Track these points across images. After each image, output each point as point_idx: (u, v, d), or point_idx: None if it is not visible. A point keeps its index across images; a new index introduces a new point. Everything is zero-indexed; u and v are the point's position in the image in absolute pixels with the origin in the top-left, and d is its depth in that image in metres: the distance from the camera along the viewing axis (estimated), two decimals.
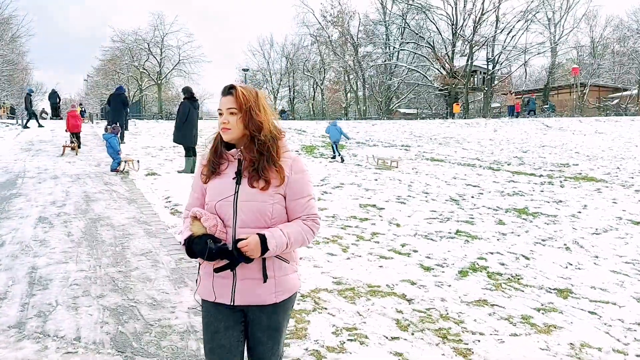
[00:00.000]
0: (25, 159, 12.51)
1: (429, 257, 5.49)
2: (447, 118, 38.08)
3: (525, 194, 10.37)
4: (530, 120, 32.91)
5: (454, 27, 43.00)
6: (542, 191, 10.70)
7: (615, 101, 41.10)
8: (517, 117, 35.07)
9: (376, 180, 11.02)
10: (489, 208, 8.60)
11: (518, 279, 4.90)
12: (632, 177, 13.08)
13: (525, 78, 47.68)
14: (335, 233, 6.34)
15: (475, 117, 38.30)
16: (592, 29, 45.20)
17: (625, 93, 42.22)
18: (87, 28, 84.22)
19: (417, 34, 44.13)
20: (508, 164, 15.32)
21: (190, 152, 10.91)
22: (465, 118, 37.38)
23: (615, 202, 9.73)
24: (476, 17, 40.94)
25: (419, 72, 45.38)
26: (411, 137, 24.48)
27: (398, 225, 7.03)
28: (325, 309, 3.89)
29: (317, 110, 51.93)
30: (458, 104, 39.20)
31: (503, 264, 5.36)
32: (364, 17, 48.81)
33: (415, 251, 5.72)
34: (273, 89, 56.45)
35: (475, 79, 44.66)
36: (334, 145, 15.76)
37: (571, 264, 5.53)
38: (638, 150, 18.99)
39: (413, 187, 10.42)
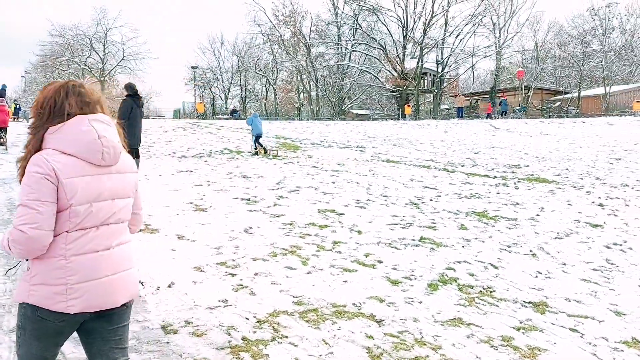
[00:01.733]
0: None
1: (395, 269, 5.10)
2: (398, 119, 38.41)
3: (482, 196, 10.26)
4: (479, 121, 33.68)
5: (404, 29, 43.48)
6: (498, 193, 10.63)
7: (557, 103, 42.80)
8: (462, 118, 35.87)
9: (334, 183, 10.62)
10: (449, 212, 8.36)
11: (490, 292, 4.59)
12: (582, 179, 13.33)
13: (473, 81, 48.90)
14: (293, 243, 5.86)
15: (425, 119, 38.80)
16: (536, 34, 46.93)
17: (566, 96, 44.03)
18: (26, 21, 79.60)
19: (368, 35, 44.34)
20: (462, 166, 15.33)
21: (133, 154, 10.10)
22: (416, 119, 37.81)
23: (570, 204, 9.76)
24: (426, 19, 41.53)
25: (371, 73, 45.63)
26: (365, 137, 24.34)
27: (359, 232, 6.63)
28: (286, 337, 3.40)
29: (269, 110, 51.18)
30: (409, 106, 39.64)
31: (472, 275, 5.04)
32: (316, 18, 48.59)
33: (380, 262, 5.32)
34: (224, 87, 55.27)
35: (425, 80, 45.34)
36: (256, 138, 15.85)
37: (540, 273, 5.30)
38: (583, 152, 19.60)
39: (371, 189, 10.09)
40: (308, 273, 4.85)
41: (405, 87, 42.34)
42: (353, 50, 47.75)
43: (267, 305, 3.97)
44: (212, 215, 7.11)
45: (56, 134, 1.87)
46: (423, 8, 42.47)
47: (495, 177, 13.22)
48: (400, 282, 4.69)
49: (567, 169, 14.91)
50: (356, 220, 7.31)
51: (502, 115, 36.63)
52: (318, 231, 6.55)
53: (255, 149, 15.89)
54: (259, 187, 9.60)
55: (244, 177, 10.90)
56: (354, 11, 45.55)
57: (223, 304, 3.97)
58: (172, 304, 3.92)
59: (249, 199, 8.36)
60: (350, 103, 50.10)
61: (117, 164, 1.98)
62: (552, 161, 16.83)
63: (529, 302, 4.40)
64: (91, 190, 1.88)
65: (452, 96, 49.91)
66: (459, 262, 5.43)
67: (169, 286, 4.30)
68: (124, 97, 10.19)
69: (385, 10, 43.69)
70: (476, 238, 6.62)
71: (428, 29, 41.75)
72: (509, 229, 7.36)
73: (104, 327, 1.99)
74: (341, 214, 7.64)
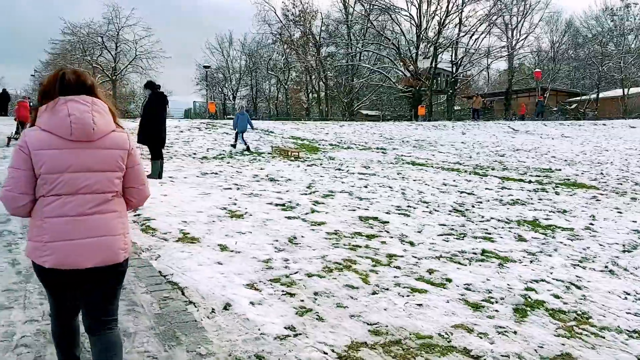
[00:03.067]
0: None
1: (469, 289, 4.56)
2: (411, 120, 37.76)
3: (525, 202, 9.69)
4: (495, 123, 32.99)
5: (418, 28, 42.82)
6: (540, 200, 10.05)
7: (574, 105, 42.01)
8: (478, 119, 35.09)
9: (366, 187, 10.07)
10: (498, 220, 7.80)
11: (587, 319, 4.04)
12: (621, 184, 12.73)
13: (488, 81, 48.18)
14: (345, 256, 5.32)
15: (439, 120, 38.11)
16: (553, 34, 46.14)
17: (583, 97, 43.24)
18: (36, 20, 79.50)
19: (381, 34, 43.67)
20: (492, 169, 14.75)
21: (158, 153, 9.61)
22: (429, 120, 37.14)
23: (620, 212, 9.17)
24: (441, 19, 40.86)
25: (383, 73, 44.97)
26: (382, 139, 23.77)
27: (412, 243, 6.09)
28: None
29: (280, 110, 50.67)
30: (423, 107, 38.95)
31: (558, 297, 4.49)
32: (326, 17, 48.02)
33: (448, 280, 4.77)
34: (233, 88, 54.82)
35: (439, 81, 44.68)
36: (241, 135, 16.19)
37: (629, 294, 4.74)
38: (610, 155, 18.94)
39: (407, 194, 9.54)
40: (374, 293, 4.31)
41: (418, 88, 41.66)
42: (364, 50, 47.12)
43: (342, 336, 3.44)
44: (250, 222, 6.58)
45: (40, 114, 2.19)
46: (438, 7, 41.82)
47: (530, 181, 12.64)
48: (482, 306, 4.14)
49: (602, 174, 14.30)
50: (403, 230, 6.76)
51: (538, 117, 35.70)
52: (367, 242, 6.01)
53: (235, 141, 16.28)
54: (290, 192, 9.07)
55: (271, 181, 10.37)
56: (365, 10, 44.90)
57: (292, 332, 3.44)
58: (235, 332, 3.39)
59: (284, 205, 7.83)
60: (360, 103, 49.46)
61: (99, 140, 2.22)
62: (583, 165, 16.20)
63: (635, 332, 3.85)
64: (61, 162, 2.14)
65: (467, 97, 49.08)
66: (536, 281, 4.87)
67: (225, 308, 3.78)
68: (147, 95, 9.71)
69: (398, 9, 43.04)
70: (541, 252, 6.06)
71: (443, 29, 41.05)
72: (571, 240, 6.79)
73: (87, 287, 2.27)
74: (385, 222, 7.10)
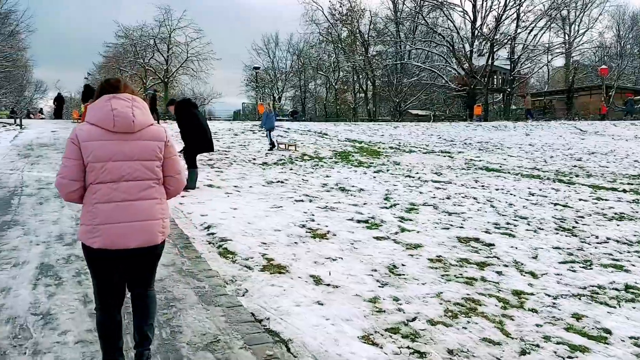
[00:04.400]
0: (23, 169, 10.58)
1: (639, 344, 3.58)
2: (465, 120, 36.14)
3: (633, 217, 8.47)
4: (559, 124, 31.02)
5: (472, 24, 41.05)
6: None
7: None
8: (532, 119, 33.03)
9: (449, 198, 9.10)
10: (617, 241, 6.68)
11: None
12: None
13: (548, 79, 45.74)
14: (464, 293, 4.43)
15: (495, 120, 36.28)
16: (619, 28, 43.31)
17: None
18: (89, 24, 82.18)
19: (434, 31, 42.13)
20: (575, 175, 13.42)
21: (193, 162, 8.92)
22: (485, 120, 35.40)
23: None
24: (498, 14, 38.94)
25: (436, 71, 43.38)
26: (442, 141, 22.60)
27: (534, 275, 5.12)
28: None
29: (329, 111, 49.92)
30: (479, 106, 37.21)
31: None
32: (374, 15, 46.86)
33: (607, 331, 3.80)
34: (278, 89, 54.48)
35: (495, 79, 42.73)
36: (269, 133, 16.39)
37: None
38: None
39: (498, 208, 8.50)
40: (523, 353, 3.40)
41: (472, 86, 39.90)
42: (415, 48, 45.67)
43: None
44: (336, 244, 5.78)
45: (88, 110, 2.58)
46: (494, 1, 39.85)
47: (624, 190, 11.29)
48: None
49: None
50: (514, 255, 5.79)
51: (627, 116, 33.37)
52: (480, 272, 5.09)
53: (271, 143, 16.14)
54: (368, 204, 8.23)
55: (342, 191, 9.56)
56: (415, 7, 43.43)
57: None
58: None
59: (366, 221, 6.99)
60: (410, 103, 48.02)
61: (138, 132, 2.53)
62: None
63: None
64: (105, 151, 2.45)
65: (521, 96, 46.80)
66: None
67: None
68: (183, 109, 9.06)
69: (452, 5, 41.39)
70: None
71: (500, 24, 39.11)
72: None
73: (129, 264, 2.61)
74: (490, 245, 6.14)
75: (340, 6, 46.81)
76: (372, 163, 14.12)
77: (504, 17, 39.22)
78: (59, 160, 11.67)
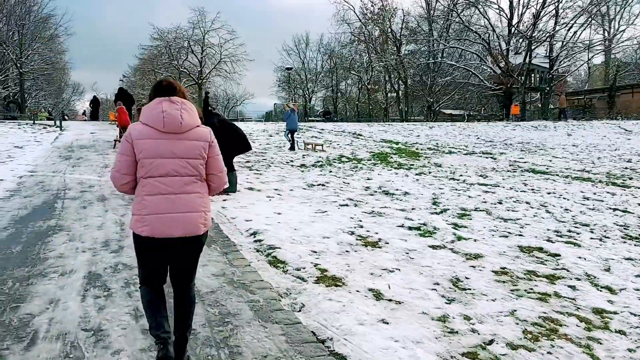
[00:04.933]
0: (64, 171, 10.61)
1: None
2: (502, 120, 35.14)
3: None
4: (600, 123, 29.79)
5: (509, 21, 39.94)
6: None
7: None
8: (567, 119, 31.76)
9: (501, 203, 8.65)
10: None
11: None
12: None
13: (589, 77, 44.16)
14: (540, 312, 4.03)
15: (533, 119, 35.16)
16: None
17: None
18: (124, 27, 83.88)
19: (470, 29, 41.16)
20: (629, 178, 12.70)
21: (231, 166, 8.65)
22: (522, 120, 34.33)
23: None
24: (537, 10, 37.74)
25: (471, 70, 42.42)
26: (481, 141, 21.96)
27: (611, 290, 4.68)
28: None
29: (361, 111, 49.47)
30: (517, 105, 36.16)
31: None
32: (406, 14, 46.16)
33: None
34: (309, 89, 54.32)
35: (532, 77, 41.48)
36: (291, 134, 16.03)
37: None
38: None
39: (555, 214, 8.01)
40: None
41: (509, 85, 38.78)
42: (449, 47, 44.75)
43: None
44: (390, 253, 5.45)
45: (143, 111, 2.78)
46: None
47: None
48: None
49: None
50: (584, 267, 5.34)
51: None
52: (552, 287, 4.68)
53: (291, 143, 16.05)
54: (416, 210, 7.86)
55: (387, 194, 9.22)
56: (449, 5, 42.53)
57: None
58: None
59: (418, 228, 6.63)
60: (443, 102, 47.11)
61: (186, 133, 2.71)
62: None
63: None
64: (155, 149, 2.65)
65: (556, 94, 45.33)
66: None
67: None
68: (212, 119, 8.68)
69: (487, 3, 40.36)
70: None
71: (538, 21, 37.89)
72: None
73: (174, 253, 2.78)
74: (556, 256, 5.70)
75: (372, 5, 46.34)
76: (413, 165, 13.71)
77: (542, 14, 38.00)
78: (99, 162, 11.69)
